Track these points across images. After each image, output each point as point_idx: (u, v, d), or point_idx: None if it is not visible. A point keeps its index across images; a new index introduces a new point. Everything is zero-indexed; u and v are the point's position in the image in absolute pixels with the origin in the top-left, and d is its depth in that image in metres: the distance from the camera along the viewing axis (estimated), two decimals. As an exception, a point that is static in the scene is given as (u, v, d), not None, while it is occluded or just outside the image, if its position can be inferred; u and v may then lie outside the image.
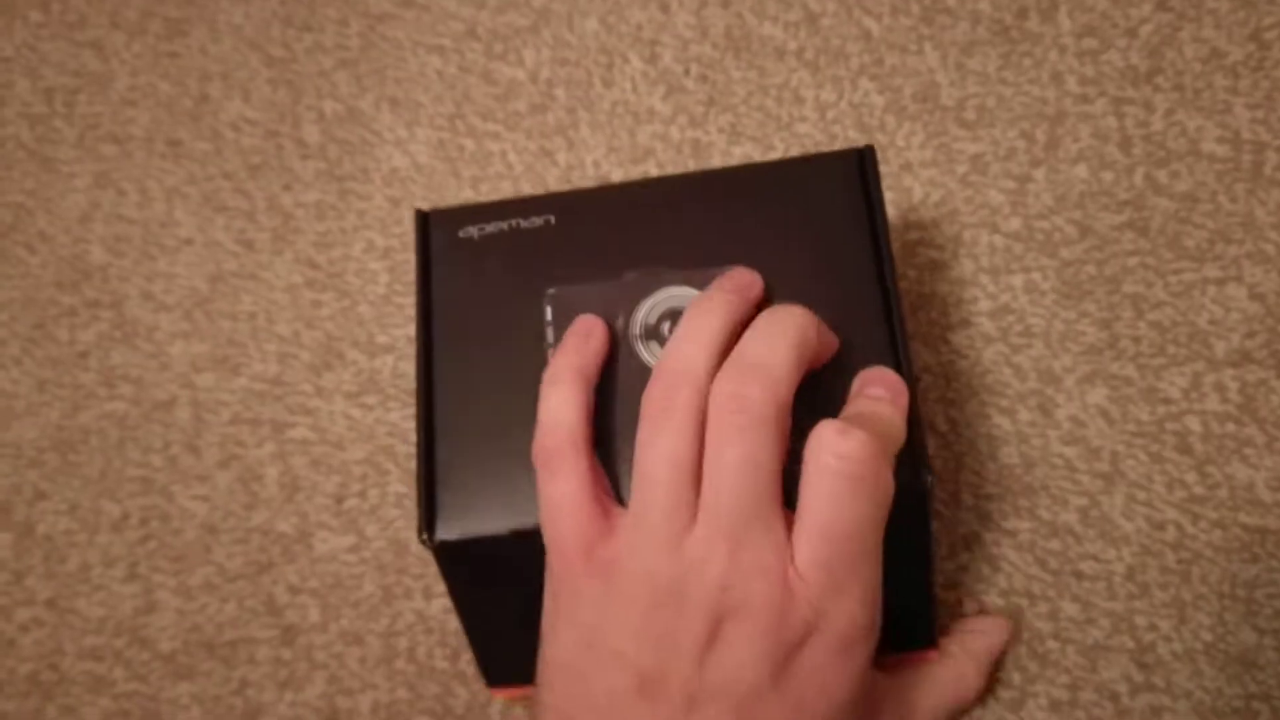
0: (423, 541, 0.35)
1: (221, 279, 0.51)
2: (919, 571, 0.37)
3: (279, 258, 0.51)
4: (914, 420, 0.34)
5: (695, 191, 0.38)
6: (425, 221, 0.39)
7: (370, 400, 0.48)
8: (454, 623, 0.44)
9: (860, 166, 0.38)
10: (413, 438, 0.47)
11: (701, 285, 0.37)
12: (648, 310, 0.37)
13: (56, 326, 0.51)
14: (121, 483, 0.47)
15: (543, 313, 0.37)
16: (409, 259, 0.50)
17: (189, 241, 0.52)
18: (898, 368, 0.35)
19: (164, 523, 0.47)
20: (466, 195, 0.50)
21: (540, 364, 0.36)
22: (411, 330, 0.48)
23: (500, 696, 0.42)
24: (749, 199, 0.38)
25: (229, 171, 0.53)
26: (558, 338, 0.36)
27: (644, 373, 0.36)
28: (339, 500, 0.46)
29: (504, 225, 0.39)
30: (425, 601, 0.44)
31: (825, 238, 0.37)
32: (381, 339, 0.49)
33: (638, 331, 0.37)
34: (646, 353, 0.36)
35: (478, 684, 0.43)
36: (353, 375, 0.48)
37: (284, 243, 0.51)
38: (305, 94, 0.54)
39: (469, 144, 0.52)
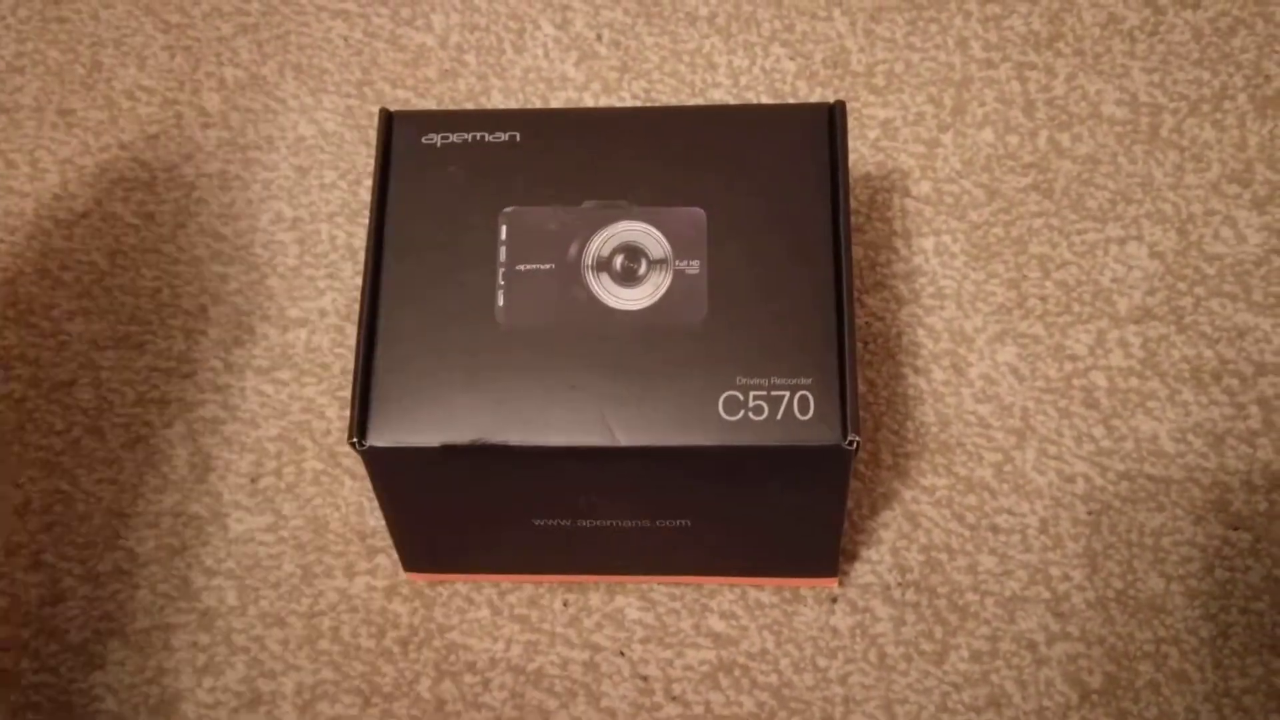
0: (352, 445, 0.34)
1: (121, 253, 0.47)
2: (833, 516, 0.37)
3: (181, 230, 0.47)
4: (848, 381, 0.33)
5: (664, 126, 0.37)
6: (389, 122, 0.37)
7: (284, 375, 0.44)
8: (378, 601, 0.41)
9: (830, 121, 0.36)
10: (329, 413, 0.44)
11: (659, 223, 0.35)
12: (602, 242, 0.35)
13: (-56, 306, 0.46)
14: (22, 467, 0.44)
15: (497, 230, 0.36)
16: (319, 229, 0.47)
17: (85, 215, 0.47)
18: (842, 324, 0.34)
19: (69, 508, 0.43)
20: (377, 164, 0.47)
21: (490, 281, 0.35)
22: (325, 303, 0.45)
23: (415, 579, 0.41)
24: (717, 139, 0.36)
25: (126, 142, 0.49)
26: (510, 257, 0.35)
27: (592, 305, 0.34)
28: (253, 479, 0.43)
29: (468, 136, 0.37)
30: (347, 580, 0.41)
31: (787, 187, 0.36)
32: (293, 312, 0.45)
33: (590, 262, 0.35)
34: (596, 284, 0.35)
35: (404, 661, 0.40)
36: (264, 350, 0.45)
37: (187, 215, 0.47)
38: (204, 61, 0.50)
39: (378, 111, 0.48)
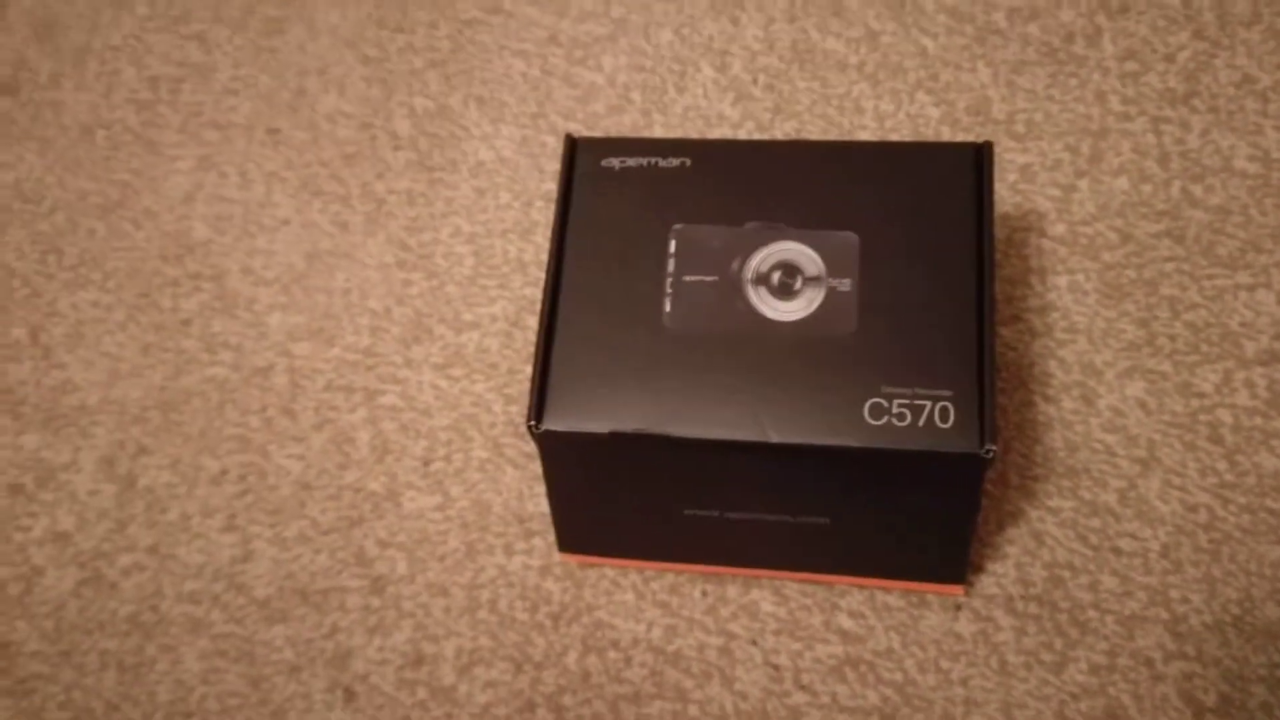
0: (529, 429, 0.37)
1: (317, 257, 0.51)
2: (965, 522, 0.39)
3: (372, 239, 0.52)
4: (987, 395, 0.36)
5: (822, 157, 0.40)
6: (573, 147, 0.41)
7: (456, 372, 0.48)
8: (533, 578, 0.44)
9: (976, 160, 0.39)
10: (495, 408, 0.48)
11: (815, 244, 0.38)
12: (761, 258, 0.39)
13: (161, 296, 0.52)
14: (221, 441, 0.48)
15: (666, 245, 0.39)
16: (493, 244, 0.51)
17: (287, 222, 0.52)
18: (982, 343, 0.36)
19: (261, 479, 0.47)
20: (548, 188, 0.51)
21: (658, 290, 0.38)
22: (495, 310, 0.49)
23: (567, 560, 0.44)
24: (870, 172, 0.39)
25: (325, 159, 0.54)
26: (678, 269, 0.39)
27: (750, 314, 0.38)
28: (426, 463, 0.47)
29: (643, 161, 0.41)
30: (506, 558, 0.45)
31: (934, 217, 0.38)
32: (467, 316, 0.49)
33: (750, 276, 0.38)
34: (755, 296, 0.38)
35: (554, 634, 0.43)
36: (440, 349, 0.49)
37: (376, 225, 0.52)
38: (397, 91, 0.55)
39: (550, 140, 0.53)
